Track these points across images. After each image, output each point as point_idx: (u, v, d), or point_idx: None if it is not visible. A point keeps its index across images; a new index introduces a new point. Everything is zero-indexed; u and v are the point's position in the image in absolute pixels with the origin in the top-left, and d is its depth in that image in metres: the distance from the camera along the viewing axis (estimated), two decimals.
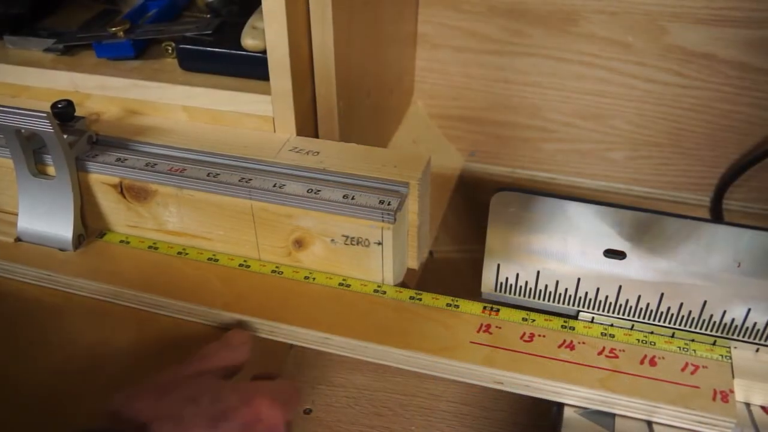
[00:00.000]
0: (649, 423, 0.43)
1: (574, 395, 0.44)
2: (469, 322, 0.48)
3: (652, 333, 0.47)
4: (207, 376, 0.42)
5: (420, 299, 0.50)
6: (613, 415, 0.44)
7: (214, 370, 0.43)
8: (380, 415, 0.49)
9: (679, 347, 0.46)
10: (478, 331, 0.47)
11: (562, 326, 0.47)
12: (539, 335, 0.47)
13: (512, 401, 0.49)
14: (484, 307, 0.49)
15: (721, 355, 0.45)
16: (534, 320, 0.48)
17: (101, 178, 0.54)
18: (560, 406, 0.45)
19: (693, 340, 0.46)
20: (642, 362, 0.45)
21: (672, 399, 0.42)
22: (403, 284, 0.52)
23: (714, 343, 0.46)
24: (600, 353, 0.45)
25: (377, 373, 0.51)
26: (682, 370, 0.44)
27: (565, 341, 0.46)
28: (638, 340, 0.46)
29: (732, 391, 0.43)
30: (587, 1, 0.71)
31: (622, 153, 0.79)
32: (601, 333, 0.47)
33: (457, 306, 0.49)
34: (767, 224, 0.53)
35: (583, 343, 0.46)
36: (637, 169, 0.80)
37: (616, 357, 0.45)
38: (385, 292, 0.50)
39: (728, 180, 0.76)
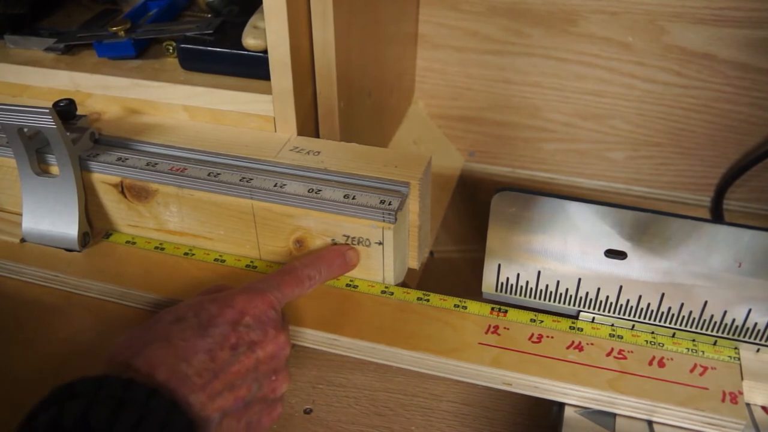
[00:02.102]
0: (650, 423, 0.43)
1: (582, 396, 0.44)
2: (477, 323, 0.48)
3: (660, 335, 0.47)
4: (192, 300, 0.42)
5: (428, 300, 0.50)
6: (613, 415, 0.44)
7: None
8: (381, 415, 0.49)
9: (688, 348, 0.46)
10: (486, 333, 0.47)
11: (570, 327, 0.47)
12: (547, 336, 0.47)
13: (513, 401, 0.49)
14: (492, 308, 0.49)
15: (730, 356, 0.45)
16: (542, 321, 0.48)
17: (102, 177, 0.54)
18: (561, 406, 0.45)
19: (694, 341, 0.46)
20: (650, 363, 0.45)
21: (681, 400, 0.42)
22: (403, 284, 0.52)
23: (715, 344, 0.46)
24: (608, 354, 0.45)
25: (378, 373, 0.51)
26: (691, 371, 0.44)
27: (573, 342, 0.46)
28: (646, 341, 0.46)
29: (741, 393, 0.43)
30: (587, 1, 0.71)
31: (622, 153, 0.79)
32: (610, 334, 0.47)
33: (465, 307, 0.49)
34: (767, 224, 0.53)
35: (592, 344, 0.46)
36: (637, 169, 0.80)
37: (625, 358, 0.45)
38: (392, 293, 0.50)
39: (728, 180, 0.76)
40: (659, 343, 0.46)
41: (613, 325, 0.48)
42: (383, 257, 0.49)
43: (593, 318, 0.48)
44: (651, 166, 0.79)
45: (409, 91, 0.82)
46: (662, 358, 0.45)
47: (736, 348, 0.46)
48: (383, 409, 0.49)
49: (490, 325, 0.47)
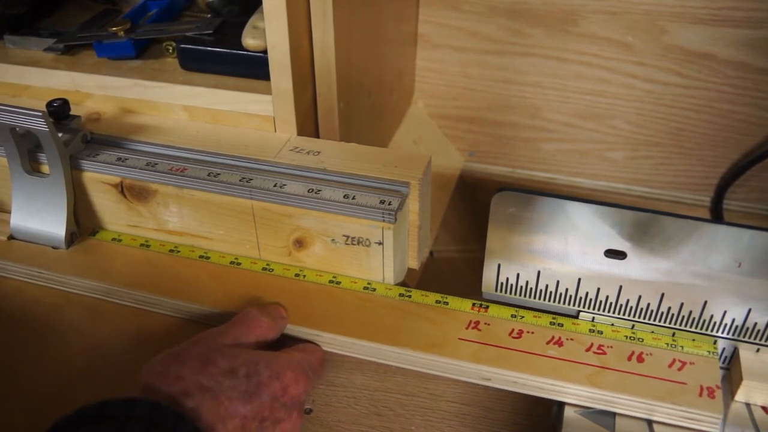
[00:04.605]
0: (650, 423, 0.43)
1: (561, 391, 0.44)
2: (458, 319, 0.48)
3: (640, 330, 0.47)
4: (244, 345, 0.44)
5: (410, 296, 0.50)
6: (613, 415, 0.44)
7: (252, 341, 0.44)
8: (380, 414, 0.49)
9: (667, 344, 0.46)
10: (467, 328, 0.47)
11: (550, 323, 0.48)
12: (528, 332, 0.47)
13: (513, 401, 0.49)
14: (474, 304, 0.49)
15: (708, 351, 0.46)
16: (523, 317, 0.48)
17: (102, 177, 0.54)
18: (561, 406, 0.45)
19: (694, 340, 0.46)
20: (629, 358, 0.45)
21: (659, 395, 0.43)
22: (403, 284, 0.52)
23: (715, 343, 0.46)
24: (588, 350, 0.46)
25: (377, 373, 0.51)
26: (670, 366, 0.45)
27: (553, 338, 0.47)
28: (626, 336, 0.47)
29: (718, 387, 0.43)
30: (587, 1, 0.71)
31: (622, 153, 0.79)
32: (590, 329, 0.47)
33: (446, 303, 0.49)
34: (767, 224, 0.53)
35: (572, 339, 0.46)
36: (637, 169, 0.80)
37: (604, 353, 0.45)
38: (374, 290, 0.50)
39: (728, 180, 0.76)
40: (639, 339, 0.47)
41: (613, 324, 0.48)
42: (383, 257, 0.49)
43: (593, 318, 0.48)
44: (651, 166, 0.79)
45: (408, 91, 0.82)
46: (642, 353, 0.45)
47: (714, 343, 0.46)
48: (383, 409, 0.49)
49: (470, 321, 0.48)
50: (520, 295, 0.49)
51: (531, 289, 0.48)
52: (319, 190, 0.50)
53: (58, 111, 0.55)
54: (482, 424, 0.49)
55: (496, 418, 0.49)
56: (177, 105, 0.59)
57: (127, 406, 0.35)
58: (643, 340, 0.46)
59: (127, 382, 0.39)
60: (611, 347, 0.46)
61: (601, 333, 0.47)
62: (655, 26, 0.70)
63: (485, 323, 0.48)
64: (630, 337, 0.47)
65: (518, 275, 0.48)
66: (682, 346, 0.46)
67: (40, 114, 0.49)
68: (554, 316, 0.48)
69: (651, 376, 0.44)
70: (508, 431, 0.48)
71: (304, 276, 0.52)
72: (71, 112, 0.56)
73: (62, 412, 0.35)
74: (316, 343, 0.48)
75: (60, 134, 0.53)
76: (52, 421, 0.35)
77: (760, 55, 0.69)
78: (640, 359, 0.45)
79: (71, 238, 0.55)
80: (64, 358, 0.48)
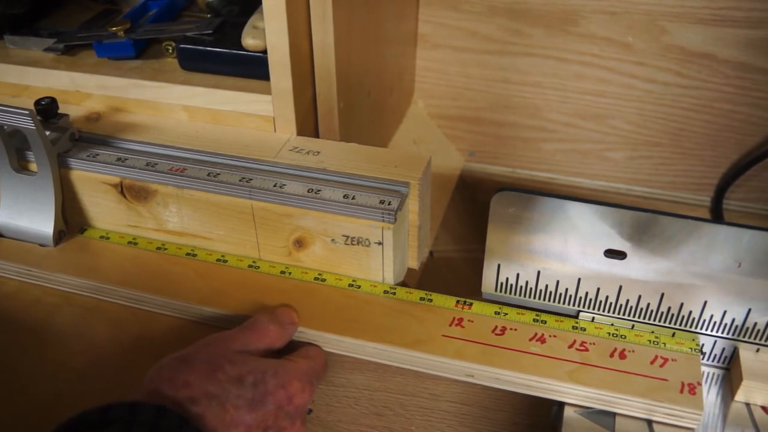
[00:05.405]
0: (650, 423, 0.43)
1: (543, 388, 0.44)
2: (441, 316, 0.48)
3: (623, 327, 0.47)
4: (252, 351, 0.44)
5: (394, 293, 0.50)
6: (613, 415, 0.44)
7: (260, 348, 0.44)
8: (380, 415, 0.49)
9: (650, 340, 0.46)
10: (450, 325, 0.47)
11: (533, 320, 0.48)
12: (511, 329, 0.47)
13: (513, 401, 0.49)
14: (457, 301, 0.49)
15: (691, 348, 0.46)
16: (506, 314, 0.48)
17: (102, 177, 0.54)
18: (561, 406, 0.45)
19: (694, 339, 0.46)
20: (612, 355, 0.45)
21: (640, 391, 0.43)
22: (403, 284, 0.52)
23: (715, 344, 0.46)
24: (570, 346, 0.46)
25: (377, 373, 0.51)
26: (651, 363, 0.45)
27: (536, 334, 0.47)
28: (609, 333, 0.47)
29: (700, 384, 0.43)
30: (587, 1, 0.71)
31: (622, 153, 0.79)
32: (572, 327, 0.47)
33: (430, 300, 0.49)
34: (767, 224, 0.53)
35: (554, 336, 0.47)
36: (637, 169, 0.80)
37: (586, 350, 0.46)
38: (359, 287, 0.51)
39: (728, 180, 0.76)
40: (621, 335, 0.47)
41: (612, 324, 0.48)
42: (383, 257, 0.49)
43: (593, 318, 0.48)
44: (651, 166, 0.79)
45: (408, 91, 0.82)
46: (624, 350, 0.46)
47: (695, 340, 0.46)
48: (383, 409, 0.49)
49: (454, 318, 0.48)
50: (519, 295, 0.49)
51: (531, 289, 0.48)
52: (319, 190, 0.50)
53: (46, 109, 0.55)
54: (482, 424, 0.49)
55: (496, 418, 0.49)
56: (177, 105, 0.59)
57: (130, 410, 0.35)
58: (625, 337, 0.47)
59: (126, 382, 0.39)
60: (594, 344, 0.46)
61: (584, 330, 0.47)
62: (655, 26, 0.70)
63: (469, 320, 0.48)
64: (612, 334, 0.47)
65: (518, 275, 0.48)
66: (664, 343, 0.46)
67: (28, 112, 0.49)
68: (537, 313, 0.48)
69: (633, 373, 0.44)
70: (508, 431, 0.48)
71: (290, 273, 0.52)
72: (60, 111, 0.56)
73: (61, 412, 0.35)
74: (318, 345, 0.48)
75: (48, 133, 0.53)
76: (55, 425, 0.34)
77: (760, 55, 0.69)
78: (622, 356, 0.45)
79: (59, 236, 0.55)
80: (63, 358, 0.48)
